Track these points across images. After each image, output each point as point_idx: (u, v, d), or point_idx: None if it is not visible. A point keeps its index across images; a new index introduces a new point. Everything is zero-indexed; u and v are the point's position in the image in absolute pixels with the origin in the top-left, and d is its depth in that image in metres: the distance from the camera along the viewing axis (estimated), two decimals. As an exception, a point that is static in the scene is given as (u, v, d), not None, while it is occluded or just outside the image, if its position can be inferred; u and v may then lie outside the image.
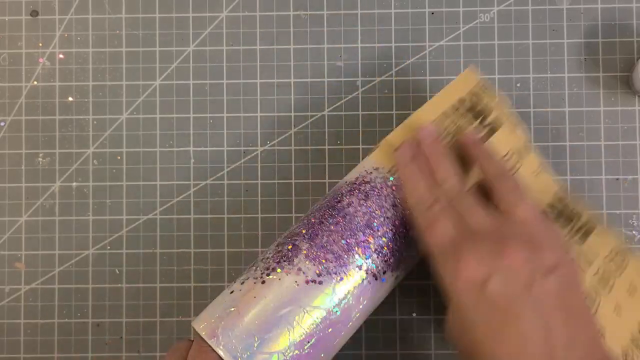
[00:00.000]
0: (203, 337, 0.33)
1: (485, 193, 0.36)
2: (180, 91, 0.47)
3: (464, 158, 0.37)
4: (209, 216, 0.47)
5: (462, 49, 0.47)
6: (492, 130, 0.39)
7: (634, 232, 0.45)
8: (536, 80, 0.47)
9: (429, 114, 0.39)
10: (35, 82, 0.48)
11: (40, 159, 0.47)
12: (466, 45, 0.47)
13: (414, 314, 0.45)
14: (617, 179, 0.46)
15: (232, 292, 0.35)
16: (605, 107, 0.46)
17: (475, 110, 0.39)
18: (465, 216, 0.33)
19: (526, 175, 0.39)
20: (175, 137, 0.47)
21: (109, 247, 0.47)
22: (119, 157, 0.47)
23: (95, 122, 0.48)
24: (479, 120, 0.39)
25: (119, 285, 0.47)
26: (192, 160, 0.47)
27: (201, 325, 0.33)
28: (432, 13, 0.47)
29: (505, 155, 0.38)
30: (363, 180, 0.37)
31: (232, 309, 0.33)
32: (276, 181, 0.47)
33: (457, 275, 0.31)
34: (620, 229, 0.45)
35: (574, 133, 0.46)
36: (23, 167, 0.47)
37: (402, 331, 0.45)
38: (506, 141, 0.39)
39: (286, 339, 0.33)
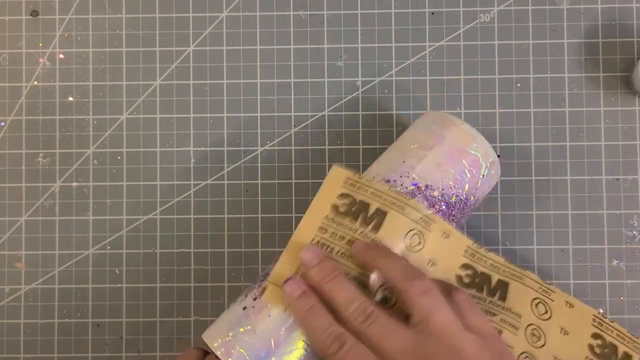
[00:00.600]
0: (219, 355, 0.33)
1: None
2: (180, 91, 0.47)
3: (364, 266, 0.34)
4: (209, 216, 0.47)
5: (462, 49, 0.47)
6: (378, 224, 0.35)
7: (634, 232, 0.45)
8: (536, 80, 0.47)
9: (309, 231, 0.35)
10: (36, 82, 0.48)
11: (40, 159, 0.47)
12: (466, 45, 0.47)
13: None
14: (617, 179, 0.46)
15: (244, 309, 0.34)
16: (605, 107, 0.46)
17: (352, 212, 0.35)
18: (381, 343, 0.30)
19: (435, 244, 0.35)
20: (175, 137, 0.47)
21: (109, 247, 0.47)
22: (119, 157, 0.47)
23: (95, 122, 0.48)
24: (360, 220, 0.35)
25: (119, 285, 0.47)
26: (192, 160, 0.47)
27: (215, 343, 0.33)
28: (432, 13, 0.47)
29: (405, 237, 0.35)
30: None
31: (248, 327, 0.33)
32: (276, 181, 0.47)
33: None
34: (620, 229, 0.45)
35: (574, 133, 0.46)
36: (23, 167, 0.47)
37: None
38: (398, 226, 0.35)
39: (302, 356, 0.33)
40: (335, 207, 0.36)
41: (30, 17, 0.48)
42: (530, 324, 0.35)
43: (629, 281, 0.45)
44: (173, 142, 0.47)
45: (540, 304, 0.36)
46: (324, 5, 0.47)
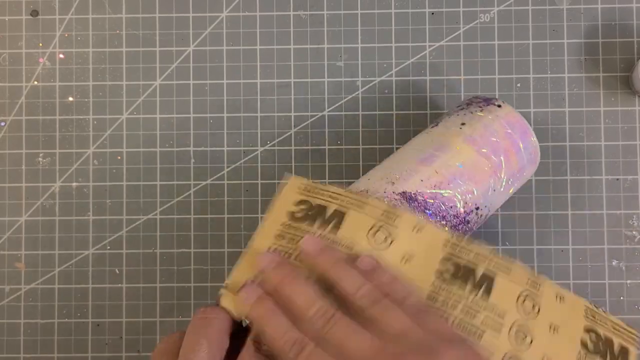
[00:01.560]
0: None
1: None
2: (180, 91, 0.47)
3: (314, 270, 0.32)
4: (209, 216, 0.47)
5: (462, 49, 0.47)
6: (337, 224, 0.33)
7: (634, 232, 0.45)
8: (536, 80, 0.47)
9: (266, 239, 0.34)
10: (36, 82, 0.48)
11: (40, 159, 0.47)
12: (466, 45, 0.47)
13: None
14: (617, 179, 0.46)
15: None
16: (605, 107, 0.46)
17: (309, 216, 0.34)
18: (343, 345, 0.28)
19: (406, 238, 0.33)
20: (175, 137, 0.47)
21: (109, 247, 0.47)
22: (119, 157, 0.47)
23: (95, 122, 0.48)
24: (318, 223, 0.34)
25: (119, 285, 0.47)
26: (192, 160, 0.47)
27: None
28: (432, 13, 0.47)
29: (368, 234, 0.33)
30: None
31: None
32: (276, 181, 0.47)
33: None
34: (620, 229, 0.46)
35: (574, 133, 0.46)
36: (23, 167, 0.47)
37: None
38: (358, 224, 0.33)
39: None
40: (292, 214, 0.34)
41: (30, 17, 0.48)
42: (515, 322, 0.32)
43: (629, 281, 0.45)
44: (173, 142, 0.47)
45: (527, 300, 0.33)
46: (324, 5, 0.47)
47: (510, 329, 0.32)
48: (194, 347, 0.29)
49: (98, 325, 0.46)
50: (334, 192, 0.35)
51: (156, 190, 0.47)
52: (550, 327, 0.33)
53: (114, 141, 0.47)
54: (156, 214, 0.47)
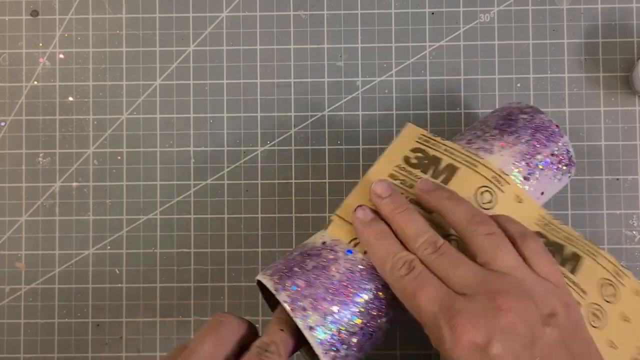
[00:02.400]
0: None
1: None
2: (180, 91, 0.47)
3: (427, 212, 0.34)
4: (209, 216, 0.47)
5: (462, 49, 0.47)
6: (448, 178, 0.35)
7: (634, 232, 0.45)
8: (536, 80, 0.47)
9: (380, 175, 0.35)
10: (36, 82, 0.48)
11: (40, 159, 0.47)
12: (466, 45, 0.47)
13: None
14: (617, 179, 0.46)
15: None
16: (605, 107, 0.46)
17: (423, 164, 0.36)
18: (449, 273, 0.30)
19: (506, 205, 0.35)
20: (175, 137, 0.47)
21: (109, 247, 0.47)
22: (119, 157, 0.47)
23: (95, 122, 0.48)
24: (430, 172, 0.35)
25: (119, 285, 0.47)
26: (192, 160, 0.47)
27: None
28: (432, 13, 0.47)
29: (476, 192, 0.35)
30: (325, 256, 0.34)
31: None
32: (276, 181, 0.47)
33: (455, 342, 0.28)
34: (620, 229, 0.45)
35: (574, 133, 0.46)
36: (23, 167, 0.47)
37: (402, 330, 0.45)
38: (468, 183, 0.35)
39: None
40: (407, 159, 0.36)
41: (30, 17, 0.48)
42: (594, 303, 0.33)
43: (629, 281, 0.45)
44: (173, 142, 0.47)
45: (609, 285, 0.34)
46: (324, 5, 0.47)
47: (588, 307, 0.33)
48: (202, 339, 0.31)
49: (98, 325, 0.46)
50: (450, 147, 0.36)
51: (156, 190, 0.47)
52: (622, 316, 0.34)
53: (114, 141, 0.47)
54: (156, 214, 0.47)
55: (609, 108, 0.46)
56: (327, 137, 0.47)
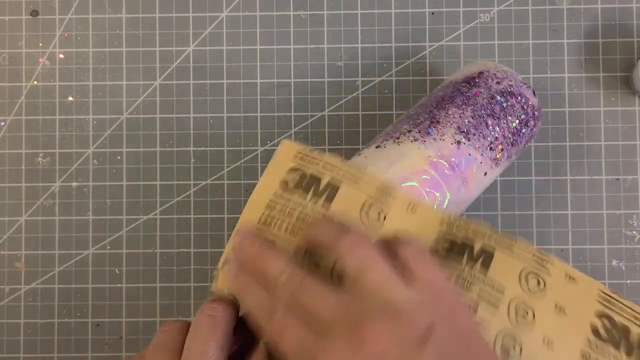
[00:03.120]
0: None
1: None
2: (180, 91, 0.47)
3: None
4: (209, 216, 0.47)
5: (462, 49, 0.47)
6: (330, 197, 0.33)
7: (634, 232, 0.45)
8: (536, 80, 0.47)
9: (256, 209, 0.33)
10: (35, 82, 0.48)
11: (40, 159, 0.47)
12: (466, 45, 0.47)
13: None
14: (617, 179, 0.46)
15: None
16: (605, 107, 0.46)
17: (302, 186, 0.33)
18: (312, 307, 0.27)
19: (398, 218, 0.33)
20: (175, 137, 0.47)
21: (108, 247, 0.47)
22: (119, 157, 0.47)
23: (95, 122, 0.48)
24: (310, 194, 0.33)
25: (119, 285, 0.47)
26: (192, 160, 0.47)
27: None
28: (432, 13, 0.47)
29: (361, 210, 0.32)
30: None
31: None
32: (276, 181, 0.47)
33: None
34: (620, 229, 0.46)
35: (574, 133, 0.46)
36: (23, 167, 0.47)
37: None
38: (352, 197, 0.33)
39: None
40: (284, 183, 0.34)
41: (30, 17, 0.48)
42: (516, 298, 0.30)
43: (629, 281, 0.45)
44: (173, 142, 0.47)
45: (531, 277, 0.31)
46: (324, 5, 0.47)
47: (509, 304, 0.30)
48: (203, 351, 0.29)
49: (98, 325, 0.46)
50: (329, 163, 0.34)
51: (156, 190, 0.47)
52: (555, 307, 0.30)
53: (113, 141, 0.47)
54: (156, 214, 0.47)
55: (609, 108, 0.46)
56: (327, 137, 0.47)
